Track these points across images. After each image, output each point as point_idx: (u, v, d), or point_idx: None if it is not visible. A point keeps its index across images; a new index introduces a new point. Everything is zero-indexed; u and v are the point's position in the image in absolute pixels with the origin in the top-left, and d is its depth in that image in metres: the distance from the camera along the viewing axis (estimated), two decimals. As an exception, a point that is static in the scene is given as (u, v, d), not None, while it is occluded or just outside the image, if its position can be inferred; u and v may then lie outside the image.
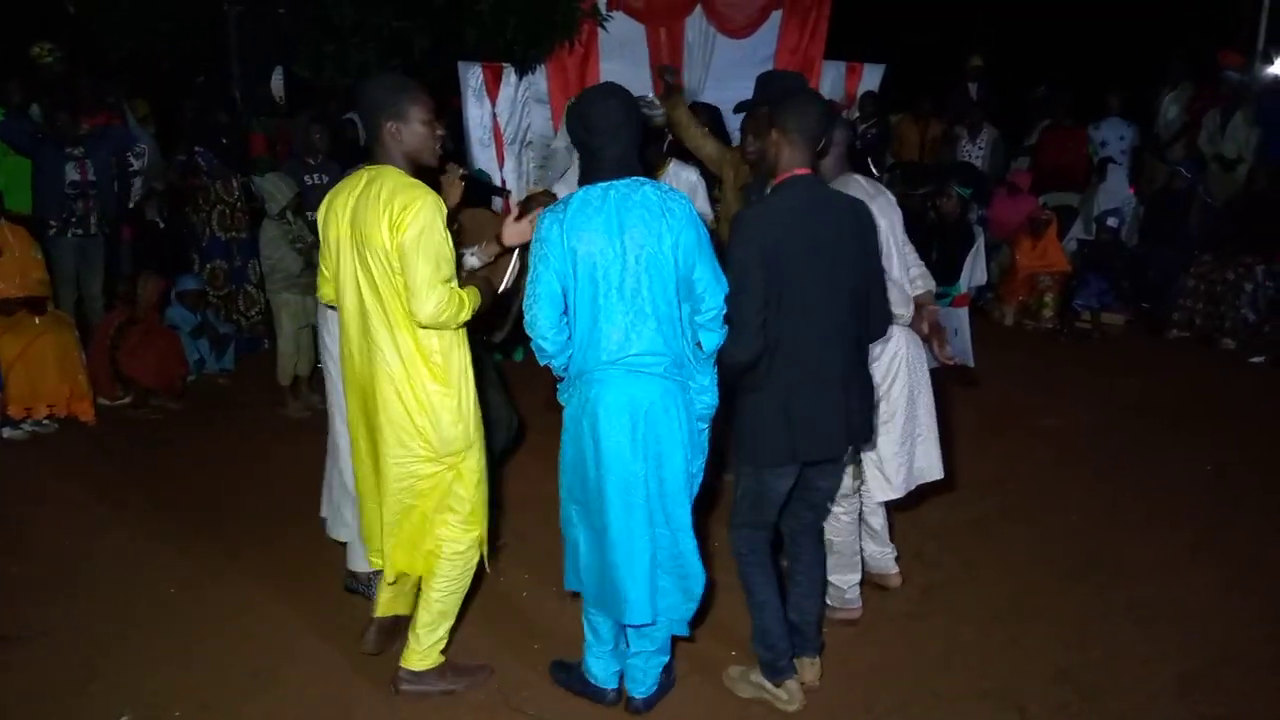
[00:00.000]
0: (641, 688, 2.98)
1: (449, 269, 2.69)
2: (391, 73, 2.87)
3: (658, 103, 4.84)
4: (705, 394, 2.85)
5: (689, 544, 2.83)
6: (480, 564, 3.04)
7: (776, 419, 2.78)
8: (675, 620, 2.91)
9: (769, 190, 2.86)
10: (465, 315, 2.74)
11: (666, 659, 3.03)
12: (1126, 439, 5.34)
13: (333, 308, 2.99)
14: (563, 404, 2.88)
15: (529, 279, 2.75)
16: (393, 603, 3.18)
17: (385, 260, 2.66)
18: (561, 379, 2.89)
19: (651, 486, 2.74)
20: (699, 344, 2.79)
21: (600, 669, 3.01)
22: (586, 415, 2.74)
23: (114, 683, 3.15)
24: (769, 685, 3.02)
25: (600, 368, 2.71)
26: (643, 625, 2.84)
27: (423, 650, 3.02)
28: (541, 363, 2.83)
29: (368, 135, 2.80)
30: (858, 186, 3.27)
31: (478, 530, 2.97)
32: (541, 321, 2.72)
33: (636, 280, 2.66)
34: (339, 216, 2.75)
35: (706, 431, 2.92)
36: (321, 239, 2.86)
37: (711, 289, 2.71)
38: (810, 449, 2.83)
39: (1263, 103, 8.10)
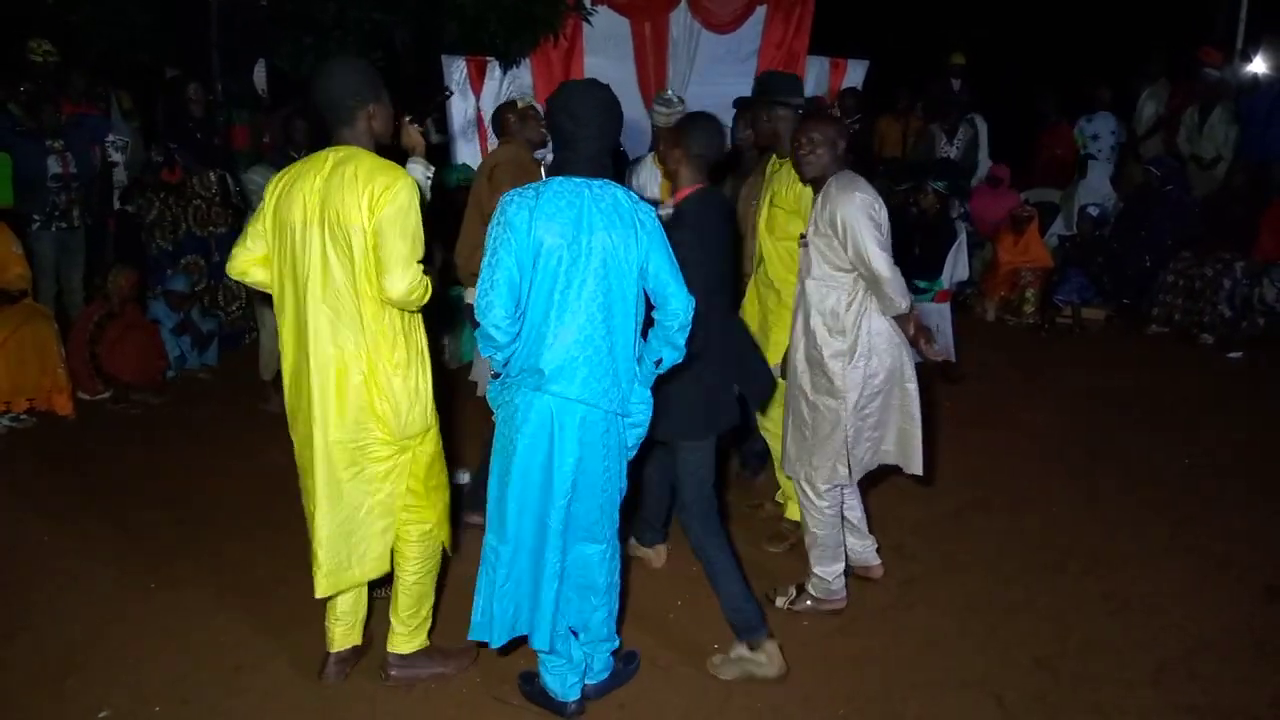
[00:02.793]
0: (590, 674, 2.98)
1: (422, 251, 2.69)
2: (350, 57, 2.87)
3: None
4: (641, 411, 2.78)
5: (604, 559, 2.84)
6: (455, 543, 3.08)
7: (716, 386, 3.13)
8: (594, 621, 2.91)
9: (675, 203, 3.14)
10: (426, 298, 2.74)
11: (615, 644, 3.03)
12: (1105, 433, 5.38)
13: (242, 283, 2.94)
14: (493, 407, 2.80)
15: (486, 262, 2.61)
16: (347, 635, 3.09)
17: (362, 238, 2.62)
18: (497, 375, 2.77)
19: (569, 508, 2.70)
20: (657, 361, 2.73)
21: (557, 684, 2.91)
22: (515, 429, 2.67)
23: (93, 678, 3.13)
24: (747, 653, 3.11)
25: (538, 376, 2.62)
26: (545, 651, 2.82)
27: (409, 631, 3.05)
28: (484, 354, 2.71)
29: (337, 119, 2.75)
30: (863, 184, 3.31)
31: (440, 509, 2.98)
32: (497, 308, 2.56)
33: (595, 284, 2.58)
34: (304, 198, 2.67)
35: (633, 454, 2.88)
36: (273, 220, 2.76)
37: (683, 305, 2.67)
38: (729, 418, 3.20)
39: (1241, 101, 8.16)
